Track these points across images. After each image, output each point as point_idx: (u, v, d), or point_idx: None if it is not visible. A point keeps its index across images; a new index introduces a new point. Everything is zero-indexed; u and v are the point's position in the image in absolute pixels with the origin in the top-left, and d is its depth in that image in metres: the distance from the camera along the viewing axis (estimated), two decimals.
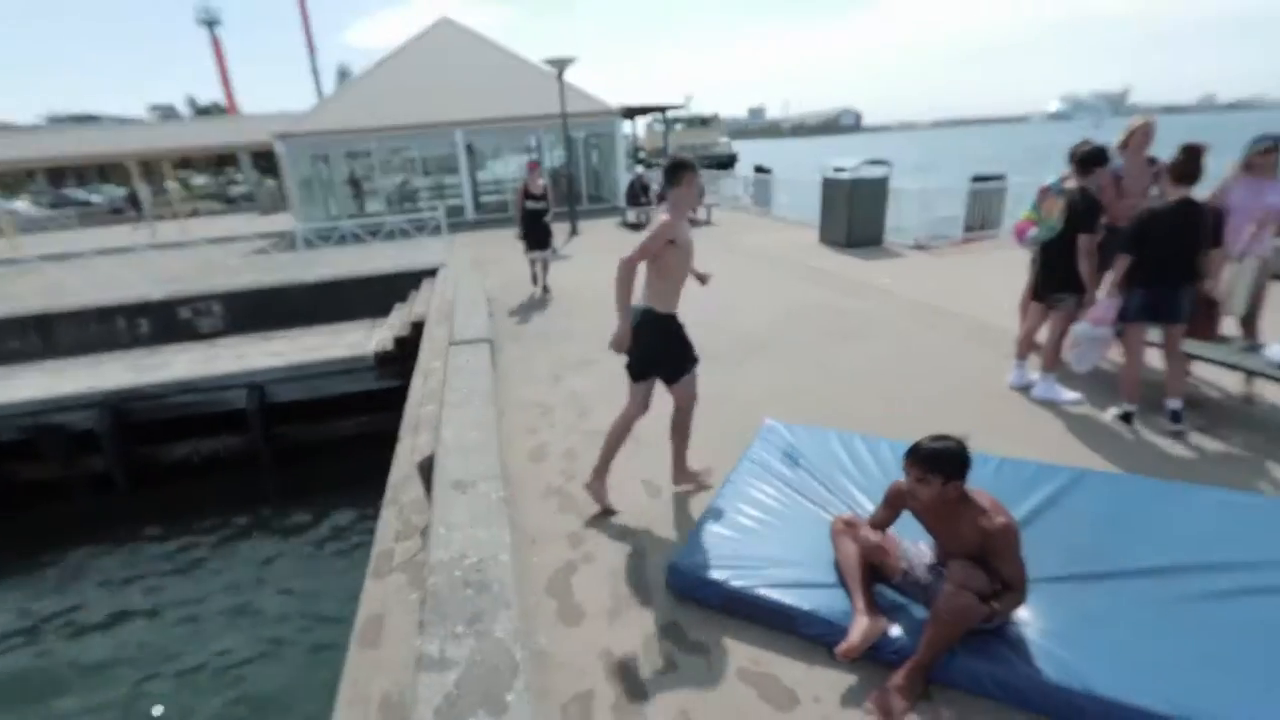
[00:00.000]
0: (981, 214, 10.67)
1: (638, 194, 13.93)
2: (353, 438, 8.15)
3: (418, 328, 7.57)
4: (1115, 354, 4.75)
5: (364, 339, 8.77)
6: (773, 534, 2.84)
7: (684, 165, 3.11)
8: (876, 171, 9.84)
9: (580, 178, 18.36)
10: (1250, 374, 3.66)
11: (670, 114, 25.73)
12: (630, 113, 20.99)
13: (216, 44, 60.48)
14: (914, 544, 2.50)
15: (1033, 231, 4.85)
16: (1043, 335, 4.38)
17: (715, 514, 3.00)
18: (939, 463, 2.16)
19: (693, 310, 6.93)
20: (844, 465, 3.35)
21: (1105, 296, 3.76)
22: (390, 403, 6.24)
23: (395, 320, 8.97)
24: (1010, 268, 8.06)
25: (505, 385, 5.14)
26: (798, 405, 4.39)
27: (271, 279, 10.25)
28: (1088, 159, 3.87)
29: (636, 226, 13.66)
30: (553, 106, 14.99)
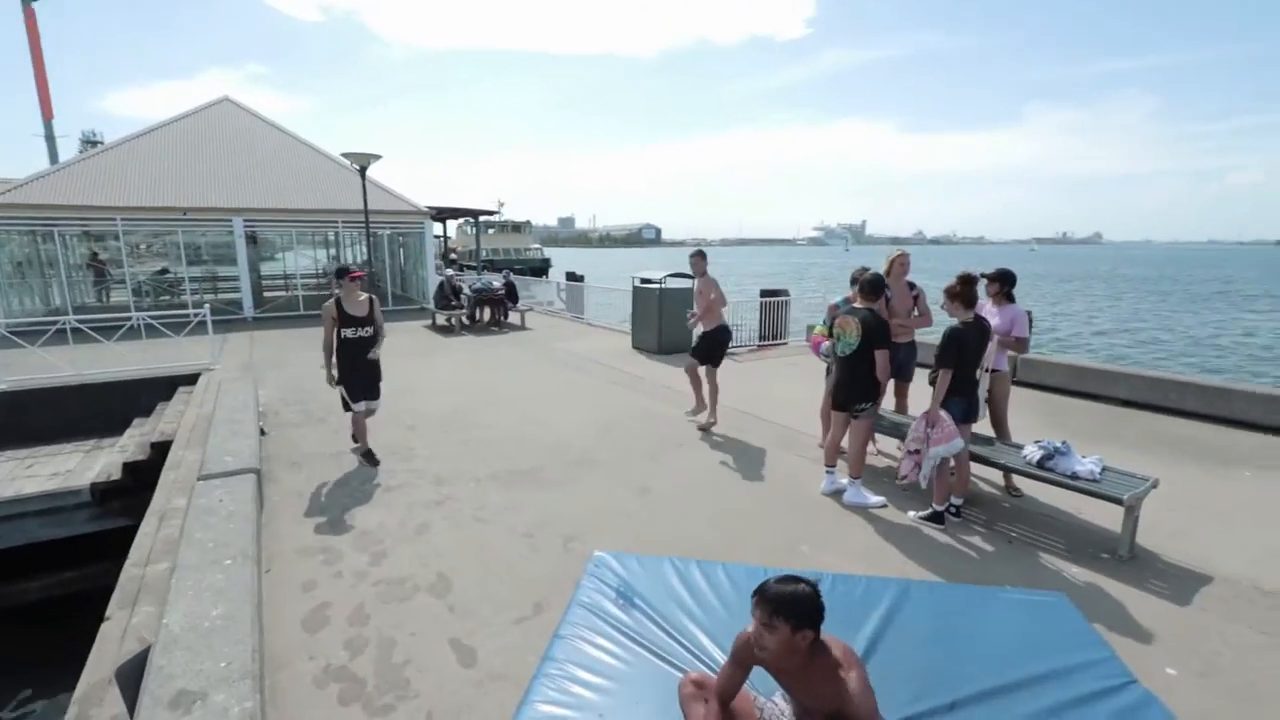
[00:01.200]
0: (772, 324, 11.92)
1: (448, 296, 13.36)
2: (48, 603, 6.04)
3: (160, 450, 6.04)
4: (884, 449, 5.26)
5: (82, 465, 6.81)
6: (614, 705, 2.39)
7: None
8: (683, 283, 10.54)
9: (385, 277, 17.30)
10: (1013, 471, 4.16)
11: (484, 219, 25.84)
12: (441, 214, 20.68)
13: None
14: (770, 699, 2.24)
15: (827, 344, 5.32)
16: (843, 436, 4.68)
17: (544, 686, 2.48)
18: (786, 608, 1.94)
19: (510, 421, 6.53)
20: (682, 600, 3.06)
21: (923, 413, 4.11)
22: (115, 550, 4.71)
23: (129, 441, 7.14)
24: (805, 374, 8.93)
25: (277, 526, 4.14)
26: (625, 528, 4.09)
27: None
28: (876, 284, 4.34)
29: (447, 329, 12.99)
30: (355, 202, 14.14)
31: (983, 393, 4.80)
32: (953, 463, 4.07)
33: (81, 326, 8.62)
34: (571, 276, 20.62)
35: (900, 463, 4.26)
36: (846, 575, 3.24)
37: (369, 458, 5.30)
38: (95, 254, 19.88)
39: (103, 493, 6.10)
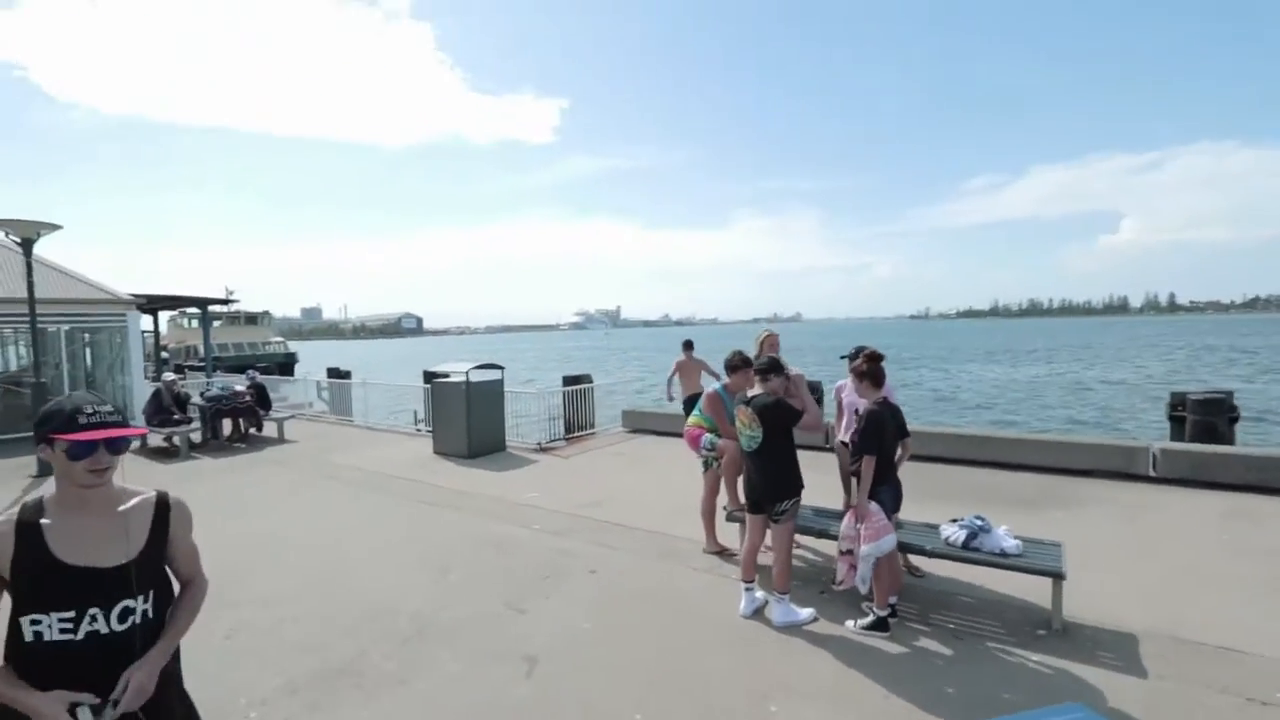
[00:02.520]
0: (578, 413, 11.02)
1: (168, 409, 10.16)
2: None
3: None
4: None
5: None
6: None
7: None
8: (491, 375, 9.36)
9: (63, 387, 12.78)
10: (942, 557, 3.85)
11: (212, 309, 21.27)
12: (153, 304, 16.35)
13: None
14: None
15: (709, 438, 4.72)
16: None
17: None
18: None
19: (299, 584, 4.60)
20: None
21: (854, 502, 3.60)
22: None
23: None
24: (634, 463, 8.28)
25: None
26: None
27: None
28: (774, 367, 3.84)
29: (169, 453, 9.74)
30: (17, 288, 10.32)
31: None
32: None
33: None
34: (335, 373, 17.77)
35: (836, 566, 3.70)
36: None
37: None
38: None
39: None
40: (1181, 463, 6.49)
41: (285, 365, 39.09)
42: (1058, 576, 3.45)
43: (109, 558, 1.49)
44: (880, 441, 3.51)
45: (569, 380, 11.68)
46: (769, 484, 3.71)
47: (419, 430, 11.85)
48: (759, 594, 3.93)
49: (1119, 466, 6.78)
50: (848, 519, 3.62)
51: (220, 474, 8.35)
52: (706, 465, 4.88)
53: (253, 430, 10.90)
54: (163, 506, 1.65)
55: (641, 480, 7.30)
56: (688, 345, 9.55)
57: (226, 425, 10.64)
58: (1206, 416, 7.45)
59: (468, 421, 8.79)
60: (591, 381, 11.76)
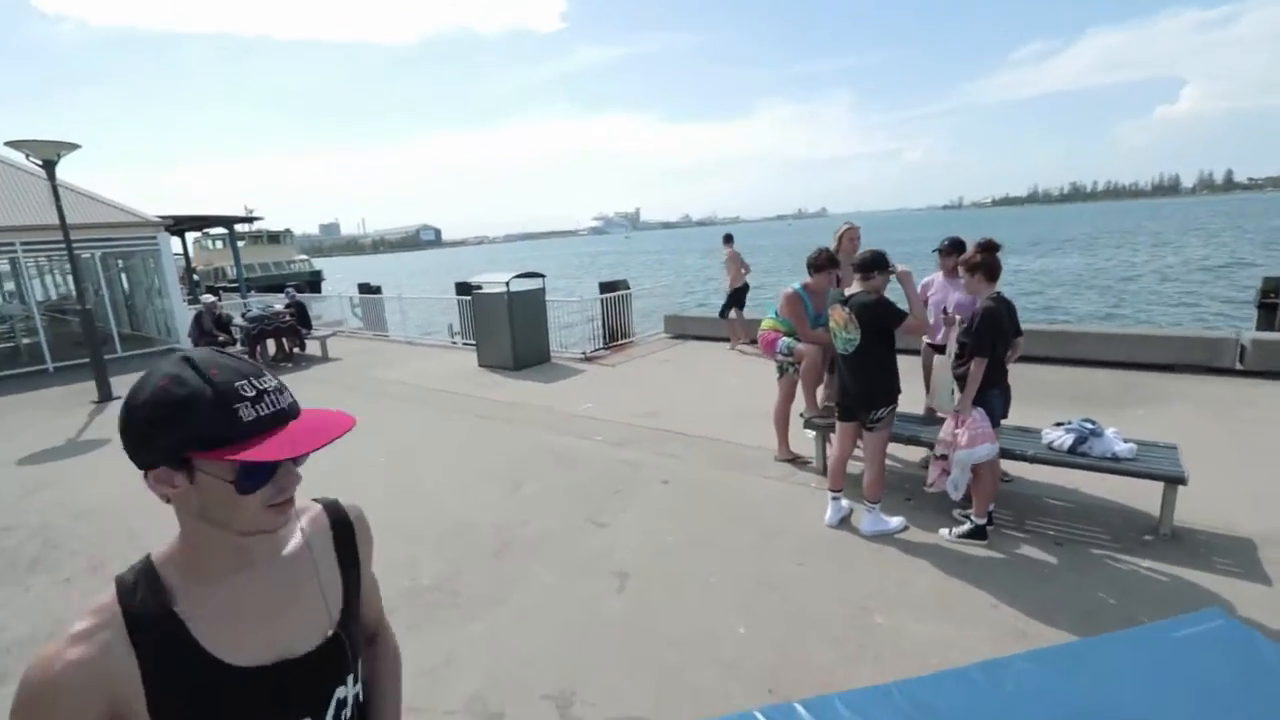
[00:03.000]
0: (617, 321, 10.72)
1: (211, 331, 10.19)
2: None
3: None
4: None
5: None
6: None
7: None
8: (532, 284, 9.10)
9: (107, 313, 12.95)
10: (1048, 463, 3.64)
11: (238, 228, 21.06)
12: (180, 225, 16.17)
13: None
14: None
15: (785, 341, 4.46)
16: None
17: None
18: None
19: (372, 501, 4.52)
20: None
21: (958, 406, 3.38)
22: None
23: None
24: (684, 371, 8.11)
25: None
26: (636, 652, 2.79)
27: None
28: (878, 262, 3.48)
29: None
30: (43, 214, 10.18)
31: (934, 381, 4.34)
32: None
33: None
34: (366, 289, 17.68)
35: (929, 468, 3.54)
36: (986, 664, 2.36)
37: None
38: None
39: None
40: (1274, 354, 6.08)
41: (313, 283, 39.24)
42: (1179, 481, 3.23)
43: (304, 636, 0.86)
44: (995, 341, 3.22)
45: (605, 287, 11.34)
46: (865, 389, 3.48)
47: (455, 343, 11.82)
48: (845, 503, 3.82)
49: (1203, 360, 6.39)
50: (948, 423, 3.40)
51: None
52: (782, 371, 4.67)
53: (295, 349, 10.97)
54: (342, 526, 1.01)
55: (694, 387, 7.16)
56: (728, 239, 9.31)
57: (270, 346, 10.70)
58: None
59: (512, 333, 8.64)
60: (629, 288, 11.42)
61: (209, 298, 10.99)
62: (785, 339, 4.46)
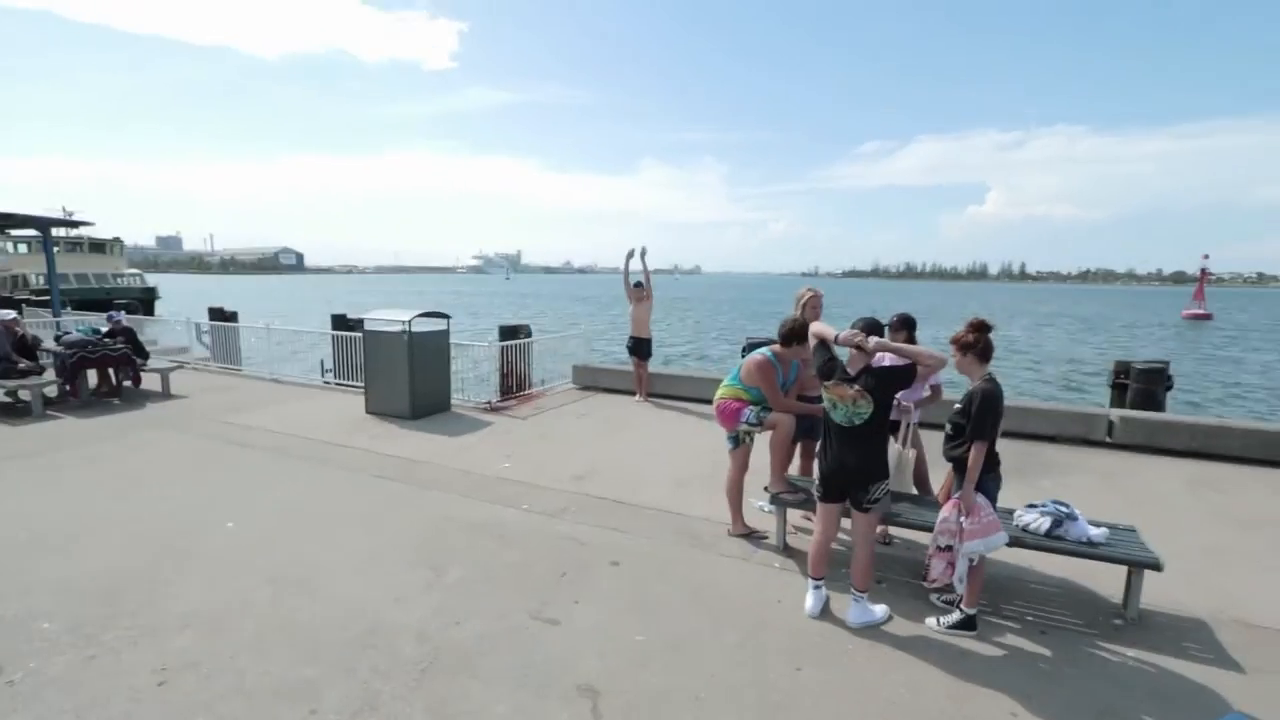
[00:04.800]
0: (516, 370, 9.95)
1: (8, 356, 8.14)
2: None
3: None
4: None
5: None
6: None
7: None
8: (436, 325, 8.23)
9: None
10: (1025, 547, 3.56)
11: (55, 232, 17.57)
12: None
13: None
14: None
15: (751, 411, 4.16)
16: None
17: None
18: None
19: (246, 595, 3.60)
20: None
21: (953, 499, 3.19)
22: None
23: None
24: (607, 425, 7.60)
25: None
26: None
27: None
28: (872, 328, 3.28)
29: (16, 410, 7.82)
30: None
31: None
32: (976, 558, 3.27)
33: None
34: (219, 314, 15.37)
35: (929, 563, 3.31)
36: None
37: None
38: None
39: None
40: (1138, 430, 6.80)
41: (145, 301, 34.03)
42: (1155, 568, 3.26)
43: None
44: (995, 425, 3.10)
45: (506, 332, 10.61)
46: (865, 466, 3.22)
47: (328, 383, 10.46)
48: (824, 590, 3.50)
49: (1080, 433, 7.02)
50: (948, 510, 3.22)
51: (94, 439, 6.75)
52: (738, 441, 4.34)
53: (123, 384, 9.06)
54: None
55: (620, 447, 6.67)
56: (639, 286, 8.96)
57: (92, 377, 8.74)
58: (1148, 385, 7.92)
59: (410, 377, 7.68)
60: (530, 334, 10.76)
61: (8, 313, 8.82)
62: (751, 408, 4.15)
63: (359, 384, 9.04)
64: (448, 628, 3.27)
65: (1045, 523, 3.47)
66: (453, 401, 8.45)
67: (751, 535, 4.41)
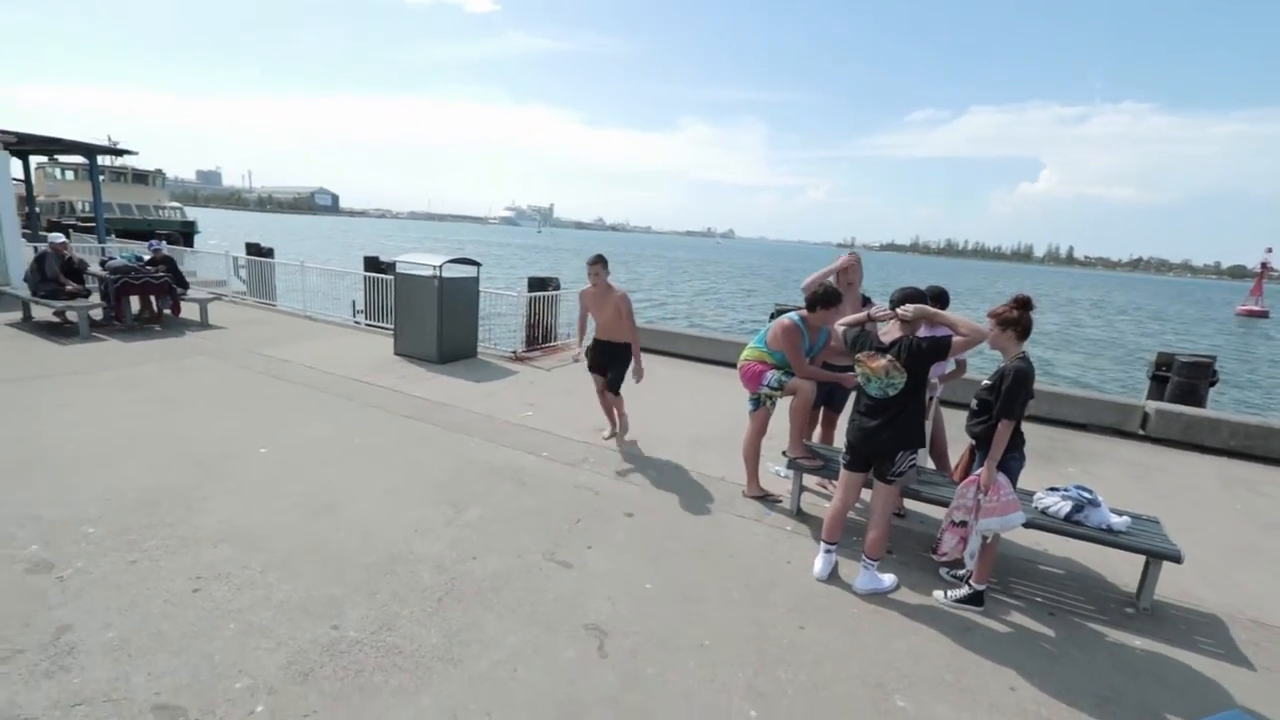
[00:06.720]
0: (543, 322, 9.99)
1: (57, 278, 8.44)
2: None
3: None
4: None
5: None
6: None
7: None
8: (466, 271, 8.28)
9: None
10: (1041, 528, 3.54)
11: (100, 161, 17.96)
12: (24, 146, 13.43)
13: None
14: None
15: (774, 375, 4.14)
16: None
17: None
18: None
19: (276, 516, 3.78)
20: None
21: (972, 476, 3.16)
22: None
23: None
24: (628, 384, 7.59)
25: None
26: None
27: None
28: (912, 297, 3.22)
29: (62, 331, 8.16)
30: None
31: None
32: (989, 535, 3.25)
33: None
34: (255, 249, 15.63)
35: (941, 537, 3.31)
36: None
37: None
38: None
39: None
40: (1174, 424, 6.61)
41: (185, 234, 34.80)
42: (1174, 559, 3.21)
43: None
44: (1024, 405, 3.04)
45: (535, 284, 10.64)
46: (895, 436, 3.19)
47: (358, 323, 10.66)
48: (834, 555, 3.53)
49: (1113, 423, 6.85)
50: (965, 486, 3.19)
51: (137, 362, 7.03)
52: (758, 404, 4.33)
53: (168, 312, 9.36)
54: None
55: (642, 404, 6.68)
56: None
57: (134, 303, 9.04)
58: (1190, 379, 7.65)
59: (439, 322, 7.78)
60: (559, 287, 10.78)
61: (58, 237, 9.12)
62: (774, 372, 4.13)
63: (388, 325, 9.21)
64: (464, 561, 3.39)
65: (1065, 507, 3.42)
66: (479, 349, 8.56)
67: (766, 498, 4.45)
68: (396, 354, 8.16)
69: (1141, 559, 3.40)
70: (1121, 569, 3.74)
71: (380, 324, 9.91)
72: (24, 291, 8.53)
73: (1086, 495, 3.43)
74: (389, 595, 3.05)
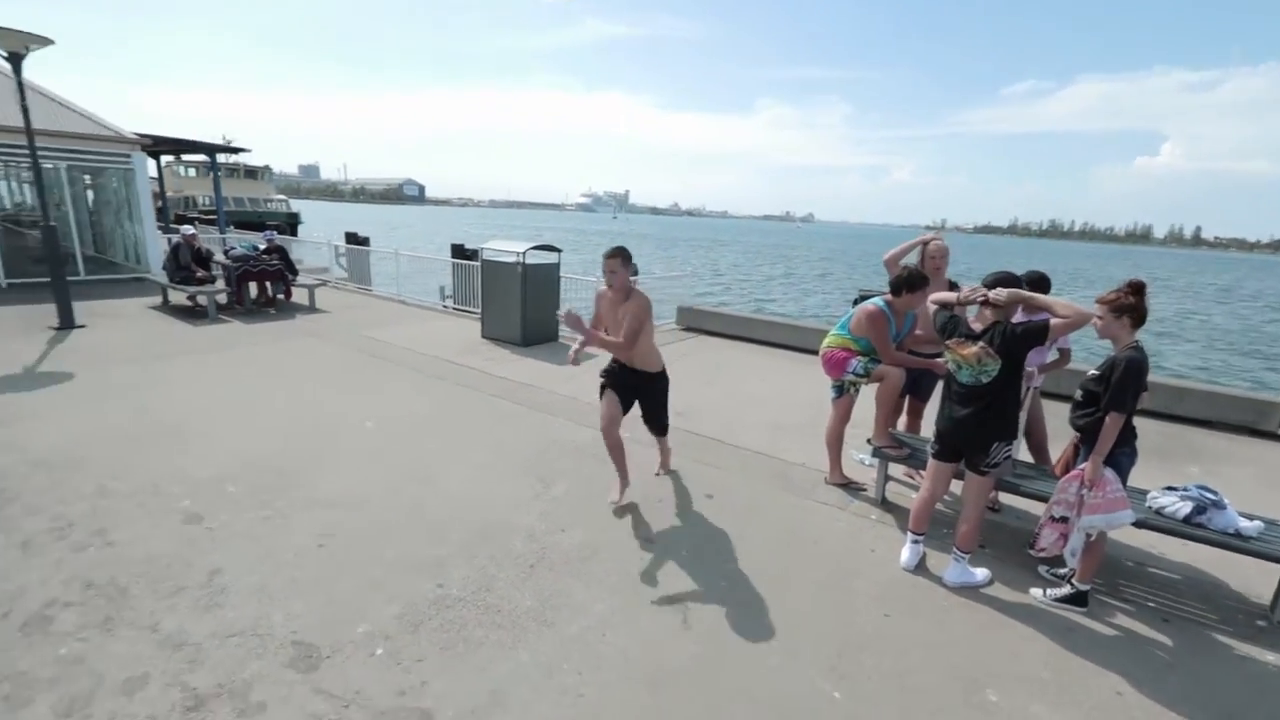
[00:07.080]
0: None
1: (189, 266, 9.37)
2: None
3: None
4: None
5: None
6: None
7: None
8: (547, 258, 8.52)
9: (70, 232, 11.86)
10: (1159, 530, 3.31)
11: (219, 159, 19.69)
12: (158, 147, 14.96)
13: None
14: None
15: (859, 362, 4.05)
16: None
17: None
18: None
19: (378, 484, 4.08)
20: None
21: (1076, 470, 3.01)
22: None
23: None
24: (707, 370, 7.61)
25: None
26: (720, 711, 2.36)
27: None
28: (1006, 281, 3.08)
29: (194, 313, 9.09)
30: (4, 114, 9.20)
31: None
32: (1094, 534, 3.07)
33: None
34: (353, 239, 16.71)
35: (1039, 532, 3.17)
36: None
37: None
38: None
39: None
40: None
41: (291, 225, 37.58)
42: None
43: None
44: (1136, 397, 2.84)
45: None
46: (990, 427, 3.06)
47: (446, 308, 11.19)
48: (922, 546, 3.45)
49: (1246, 421, 6.21)
50: (1068, 481, 3.03)
51: (257, 341, 7.75)
52: (841, 391, 4.25)
53: (280, 296, 10.20)
54: None
55: (720, 389, 6.73)
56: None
57: (253, 288, 9.91)
58: None
59: (523, 307, 8.08)
60: (637, 273, 10.86)
61: (189, 229, 10.11)
62: (860, 359, 4.04)
63: (475, 310, 9.65)
64: (553, 532, 3.57)
65: (1185, 508, 3.18)
66: (560, 332, 8.81)
67: (849, 486, 4.38)
68: (483, 337, 8.55)
69: (1278, 569, 3.11)
70: (1253, 578, 3.43)
71: (467, 308, 10.38)
72: (163, 278, 9.54)
73: (1210, 496, 3.17)
74: (486, 559, 3.26)
